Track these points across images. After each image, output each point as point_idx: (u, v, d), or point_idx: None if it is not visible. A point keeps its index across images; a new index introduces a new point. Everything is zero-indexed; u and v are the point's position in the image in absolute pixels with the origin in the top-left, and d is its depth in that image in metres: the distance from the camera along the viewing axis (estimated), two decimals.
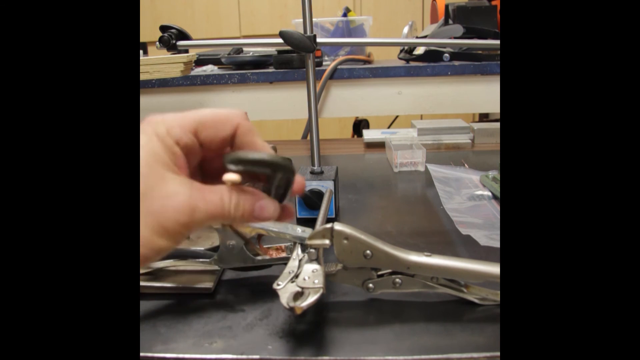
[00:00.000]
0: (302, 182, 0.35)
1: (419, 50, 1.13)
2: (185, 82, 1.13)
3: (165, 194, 0.29)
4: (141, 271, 0.46)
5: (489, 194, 0.66)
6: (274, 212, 0.33)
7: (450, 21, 1.17)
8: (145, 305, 0.43)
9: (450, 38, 1.05)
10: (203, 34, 2.45)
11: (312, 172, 0.63)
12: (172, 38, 0.70)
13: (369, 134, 1.05)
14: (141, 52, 1.19)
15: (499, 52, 1.05)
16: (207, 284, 0.45)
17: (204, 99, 1.16)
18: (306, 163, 0.78)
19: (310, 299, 0.36)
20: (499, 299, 0.41)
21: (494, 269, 0.39)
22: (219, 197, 0.31)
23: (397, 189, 0.76)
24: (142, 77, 0.91)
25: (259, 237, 0.47)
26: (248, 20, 2.49)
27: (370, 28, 1.34)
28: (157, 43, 0.70)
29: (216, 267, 0.47)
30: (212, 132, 0.33)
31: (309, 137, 0.72)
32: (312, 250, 0.40)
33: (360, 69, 1.12)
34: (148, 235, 0.28)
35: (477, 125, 1.01)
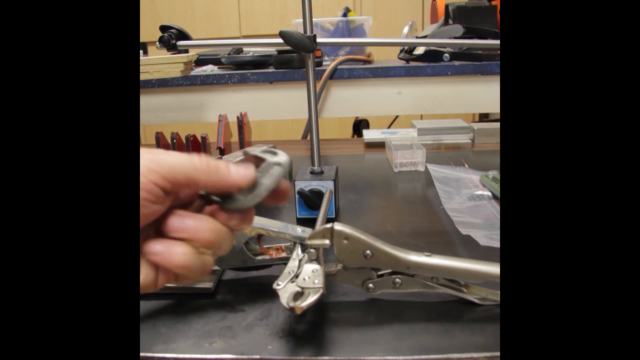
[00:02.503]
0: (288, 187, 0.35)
1: (419, 50, 1.13)
2: (185, 82, 1.13)
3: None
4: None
5: (489, 194, 0.66)
6: (247, 172, 0.33)
7: (450, 21, 1.17)
8: (145, 305, 0.43)
9: (450, 38, 1.05)
10: (203, 34, 2.45)
11: (312, 172, 0.63)
12: (172, 38, 0.70)
13: (369, 134, 1.05)
14: (141, 52, 1.19)
15: (499, 52, 1.05)
16: (207, 284, 0.45)
17: (204, 99, 1.16)
18: (306, 163, 0.78)
19: (310, 299, 0.36)
20: (499, 299, 0.41)
21: (494, 269, 0.39)
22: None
23: (397, 189, 0.76)
24: (142, 77, 0.91)
25: (259, 237, 0.47)
26: (248, 20, 2.49)
27: (370, 28, 1.34)
28: (157, 43, 0.70)
29: (216, 267, 0.47)
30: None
31: (309, 137, 0.72)
32: (312, 250, 0.40)
33: (360, 69, 1.12)
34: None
35: (477, 125, 1.01)
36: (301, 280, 0.38)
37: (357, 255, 0.40)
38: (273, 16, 2.46)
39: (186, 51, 0.87)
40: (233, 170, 0.33)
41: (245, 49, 1.27)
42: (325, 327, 0.39)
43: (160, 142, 0.93)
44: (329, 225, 0.40)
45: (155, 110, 1.16)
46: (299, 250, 0.43)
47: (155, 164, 0.31)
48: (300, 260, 0.41)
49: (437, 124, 1.04)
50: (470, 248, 0.51)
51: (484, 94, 1.11)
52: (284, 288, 0.38)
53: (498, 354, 0.35)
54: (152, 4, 2.47)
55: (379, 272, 0.42)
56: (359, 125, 1.51)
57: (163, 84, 1.13)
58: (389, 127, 1.37)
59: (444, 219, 0.61)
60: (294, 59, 1.12)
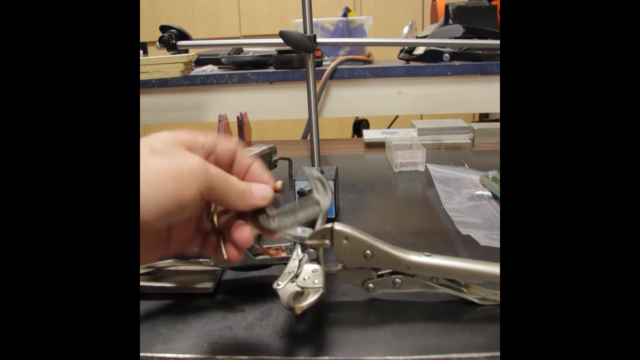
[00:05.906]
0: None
1: (419, 50, 1.13)
2: (185, 82, 1.13)
3: (184, 154, 0.33)
4: (141, 271, 0.46)
5: (489, 194, 0.66)
6: (267, 193, 0.37)
7: (450, 21, 1.17)
8: (145, 305, 0.43)
9: (450, 38, 1.05)
10: (203, 34, 2.45)
11: None
12: (172, 38, 0.70)
13: (369, 134, 1.05)
14: (141, 52, 1.19)
15: (499, 52, 1.05)
16: (207, 284, 0.45)
17: (204, 99, 1.16)
18: (306, 163, 0.78)
19: (310, 299, 0.36)
20: (499, 299, 0.41)
21: (494, 269, 0.39)
22: (224, 172, 0.35)
23: (397, 189, 0.76)
24: (142, 77, 0.91)
25: (259, 237, 0.46)
26: (248, 20, 2.49)
27: (370, 28, 1.33)
28: (157, 43, 0.70)
29: (216, 267, 0.47)
30: (224, 147, 0.37)
31: (309, 137, 0.72)
32: (312, 250, 0.40)
33: (360, 69, 1.12)
34: (166, 187, 0.31)
35: (477, 125, 1.01)
36: (301, 280, 0.38)
37: (357, 255, 0.40)
38: (273, 16, 2.46)
39: (186, 51, 0.86)
40: (254, 191, 0.36)
41: (245, 49, 1.27)
42: (325, 327, 0.39)
43: None
44: (329, 225, 0.40)
45: (155, 110, 1.16)
46: (299, 250, 0.43)
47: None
48: (300, 260, 0.41)
49: (437, 124, 1.04)
50: (470, 248, 0.51)
51: (484, 94, 1.11)
52: (284, 288, 0.38)
53: (498, 354, 0.35)
54: (152, 4, 2.47)
55: (379, 272, 0.42)
56: (359, 125, 1.51)
57: (163, 84, 1.13)
58: (389, 127, 1.37)
59: (444, 219, 0.61)
60: (294, 59, 1.12)
